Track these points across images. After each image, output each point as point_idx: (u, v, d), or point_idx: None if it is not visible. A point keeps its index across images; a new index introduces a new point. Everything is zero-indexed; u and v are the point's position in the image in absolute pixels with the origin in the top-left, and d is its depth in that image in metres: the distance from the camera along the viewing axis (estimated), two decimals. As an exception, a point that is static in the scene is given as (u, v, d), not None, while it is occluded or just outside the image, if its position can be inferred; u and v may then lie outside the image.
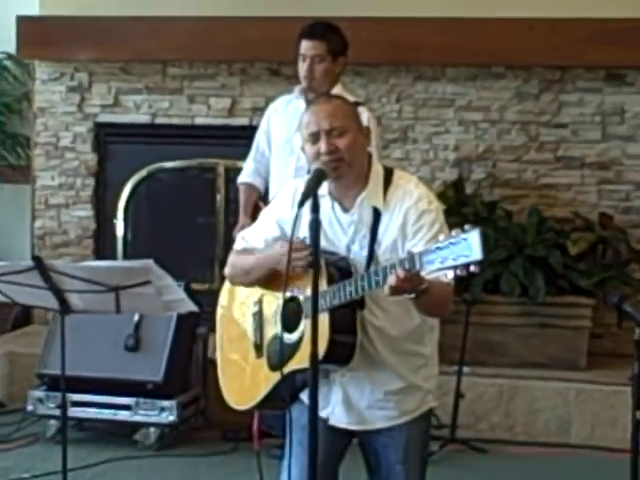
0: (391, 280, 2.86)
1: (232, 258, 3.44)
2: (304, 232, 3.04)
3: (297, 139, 3.40)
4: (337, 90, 5.01)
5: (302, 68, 5.06)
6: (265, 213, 3.51)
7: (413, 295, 2.93)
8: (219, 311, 3.59)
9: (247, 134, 5.74)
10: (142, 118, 6.82)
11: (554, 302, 5.80)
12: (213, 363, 3.65)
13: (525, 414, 5.66)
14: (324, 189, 3.10)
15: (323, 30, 5.10)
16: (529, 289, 5.73)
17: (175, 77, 6.75)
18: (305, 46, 5.05)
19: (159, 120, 6.80)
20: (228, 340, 3.54)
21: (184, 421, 5.54)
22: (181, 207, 6.71)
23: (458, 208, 5.81)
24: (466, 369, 5.47)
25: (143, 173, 6.65)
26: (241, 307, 3.48)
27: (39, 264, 3.55)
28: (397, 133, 6.46)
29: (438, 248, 2.76)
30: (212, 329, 3.74)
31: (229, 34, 6.41)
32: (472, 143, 6.42)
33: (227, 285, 3.53)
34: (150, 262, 3.46)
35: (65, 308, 3.65)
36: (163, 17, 6.50)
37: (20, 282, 3.63)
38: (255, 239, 3.39)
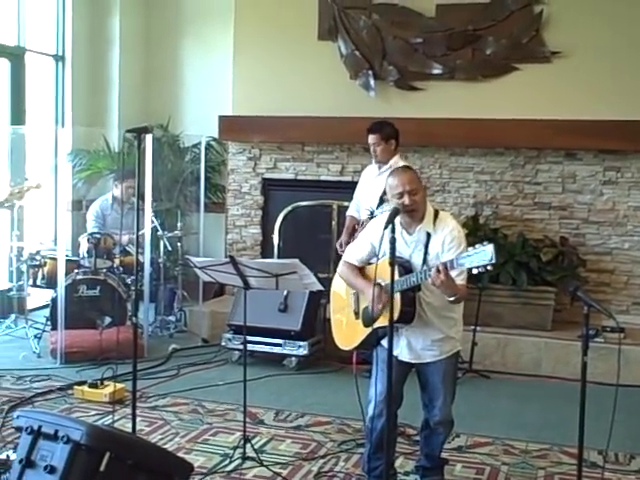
0: (434, 273, 2.92)
1: (341, 265, 3.45)
2: (385, 245, 2.96)
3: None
4: (395, 159, 5.04)
5: (371, 150, 5.12)
6: (362, 235, 3.51)
7: (452, 298, 3.02)
8: (332, 291, 3.61)
9: (350, 186, 5.72)
10: (289, 176, 6.81)
11: (532, 289, 5.67)
12: (329, 320, 3.67)
13: (513, 356, 5.56)
14: (397, 220, 3.07)
15: (377, 126, 5.10)
16: (517, 281, 5.63)
17: (309, 152, 6.74)
18: (368, 138, 5.09)
19: (299, 177, 6.78)
20: (337, 308, 3.56)
21: (312, 354, 5.53)
22: (311, 228, 6.65)
23: (475, 232, 5.72)
24: (478, 328, 5.40)
25: (289, 208, 6.60)
26: (345, 289, 3.48)
27: (232, 260, 3.60)
28: (439, 187, 6.37)
29: (468, 255, 2.84)
30: (329, 301, 3.73)
31: (340, 126, 6.38)
32: (483, 194, 6.30)
33: (337, 276, 3.53)
34: (296, 260, 3.49)
35: (246, 286, 3.69)
36: (302, 116, 6.48)
37: (220, 270, 3.67)
38: (355, 253, 3.40)
